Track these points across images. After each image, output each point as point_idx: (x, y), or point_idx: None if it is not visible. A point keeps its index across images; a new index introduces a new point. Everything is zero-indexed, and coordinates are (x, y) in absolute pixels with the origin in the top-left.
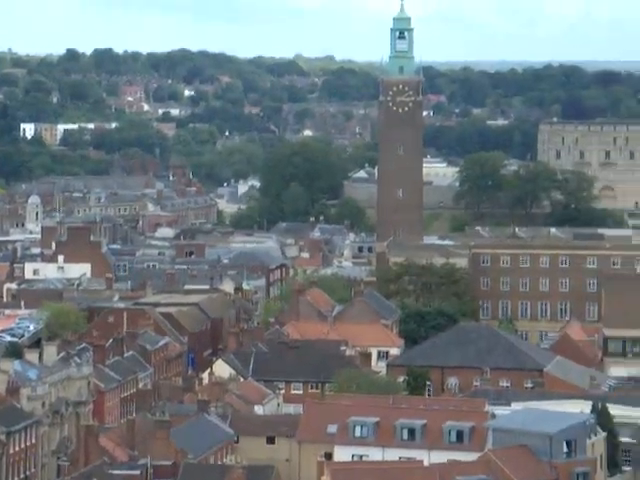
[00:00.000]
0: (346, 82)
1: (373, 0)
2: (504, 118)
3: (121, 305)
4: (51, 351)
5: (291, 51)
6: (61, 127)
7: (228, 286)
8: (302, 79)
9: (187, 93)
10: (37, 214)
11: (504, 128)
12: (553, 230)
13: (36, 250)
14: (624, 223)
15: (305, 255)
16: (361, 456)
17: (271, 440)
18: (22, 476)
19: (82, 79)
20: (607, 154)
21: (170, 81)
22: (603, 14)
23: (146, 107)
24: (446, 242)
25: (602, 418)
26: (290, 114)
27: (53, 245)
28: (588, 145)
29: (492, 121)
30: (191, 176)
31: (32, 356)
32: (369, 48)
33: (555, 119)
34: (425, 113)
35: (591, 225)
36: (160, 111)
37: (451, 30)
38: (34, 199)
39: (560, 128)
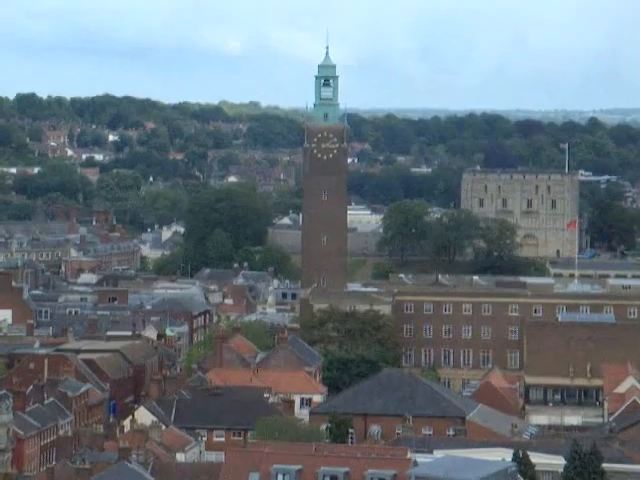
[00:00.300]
0: (271, 128)
1: (298, 47)
2: (428, 166)
3: (42, 351)
4: None
5: (216, 97)
6: None
7: (151, 332)
8: (227, 125)
9: (111, 138)
10: None
11: (428, 176)
12: (476, 278)
13: None
14: (546, 271)
15: (229, 301)
16: None
17: None
18: None
19: (5, 124)
20: (529, 202)
21: (94, 126)
22: (523, 64)
23: (70, 152)
24: (370, 289)
25: (523, 466)
26: (215, 160)
27: None
28: (510, 193)
29: (416, 169)
30: (114, 221)
31: None
32: (294, 95)
33: (478, 167)
34: (349, 160)
35: (513, 273)
36: (84, 156)
37: (375, 78)
38: None
39: (483, 176)
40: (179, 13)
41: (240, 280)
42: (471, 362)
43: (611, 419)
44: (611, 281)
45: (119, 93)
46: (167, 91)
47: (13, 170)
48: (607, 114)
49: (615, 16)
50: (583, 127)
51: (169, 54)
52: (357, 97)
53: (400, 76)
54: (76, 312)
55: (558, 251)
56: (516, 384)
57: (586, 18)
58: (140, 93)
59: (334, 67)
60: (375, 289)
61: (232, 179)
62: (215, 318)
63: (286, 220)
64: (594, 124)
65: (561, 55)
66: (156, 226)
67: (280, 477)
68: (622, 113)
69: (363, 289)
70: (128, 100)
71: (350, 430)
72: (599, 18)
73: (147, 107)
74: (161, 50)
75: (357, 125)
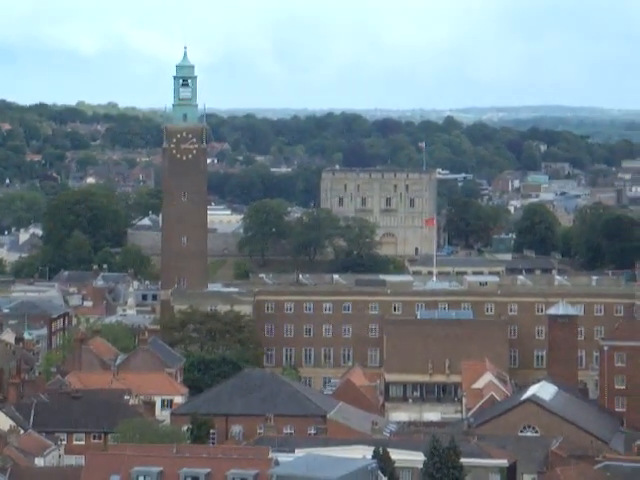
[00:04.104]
0: (129, 129)
1: (155, 47)
2: (287, 165)
3: None
4: None
5: (74, 98)
6: None
7: (9, 336)
8: (85, 126)
9: None
10: None
11: (287, 175)
12: (336, 277)
13: None
14: (405, 269)
15: (88, 304)
16: None
17: None
18: None
19: None
20: (388, 201)
21: None
22: (378, 62)
23: None
24: (230, 289)
25: (384, 463)
26: (73, 161)
27: None
28: (369, 192)
29: (275, 168)
30: None
31: None
32: (152, 95)
33: (337, 166)
34: (209, 160)
35: (373, 271)
36: None
37: (233, 78)
38: None
39: (342, 176)
40: (34, 12)
41: (99, 282)
42: (332, 360)
43: (469, 414)
44: (468, 278)
45: None
46: (23, 92)
47: None
48: (463, 113)
49: (467, 15)
50: (440, 126)
51: (20, 54)
52: (216, 97)
53: (258, 76)
54: None
55: (417, 249)
56: (376, 381)
57: (439, 16)
58: None
59: (192, 67)
60: (236, 289)
61: (90, 180)
62: (74, 321)
63: (145, 221)
64: (450, 123)
65: (415, 53)
66: (13, 228)
67: (141, 479)
68: (477, 112)
69: (224, 289)
70: None
71: (211, 431)
72: (452, 17)
73: (3, 108)
74: (10, 49)
75: (216, 125)
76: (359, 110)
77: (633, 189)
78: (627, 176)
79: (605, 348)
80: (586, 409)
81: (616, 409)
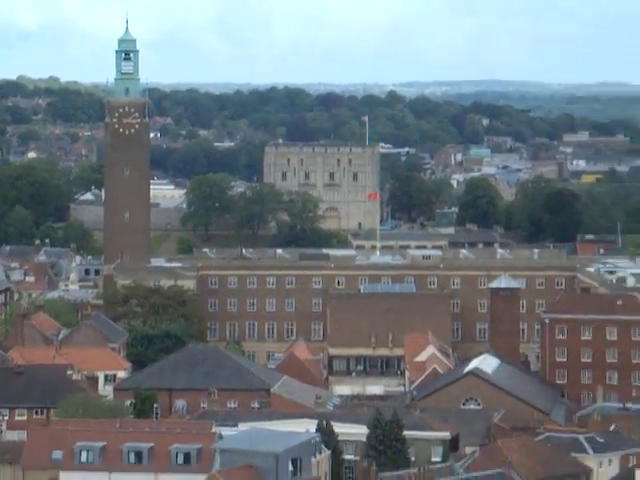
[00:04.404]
0: (71, 104)
1: (98, 22)
2: (230, 140)
3: None
4: None
5: (14, 72)
6: None
7: None
8: (26, 100)
9: None
10: None
11: (230, 150)
12: (279, 251)
13: None
14: (348, 243)
15: (30, 279)
16: None
17: None
18: None
19: None
20: (331, 175)
21: None
22: (321, 36)
23: None
24: (174, 264)
25: (327, 436)
26: (14, 136)
27: None
28: (313, 167)
29: (218, 143)
30: None
31: None
32: (94, 69)
33: (280, 141)
34: (152, 135)
35: (316, 246)
36: None
37: (176, 52)
38: None
39: (285, 150)
40: None
41: (42, 257)
42: (275, 335)
43: (412, 387)
44: (411, 252)
45: None
46: None
47: None
48: (406, 87)
49: None
50: (383, 100)
51: None
52: (158, 72)
53: (201, 50)
54: None
55: (360, 223)
56: (320, 355)
57: None
58: None
59: (134, 41)
60: (179, 264)
61: (32, 155)
62: (16, 296)
63: (88, 196)
64: (393, 97)
65: (358, 28)
66: None
67: (84, 454)
68: (420, 86)
69: (167, 264)
70: None
71: (155, 405)
72: None
73: None
74: None
75: (159, 100)
76: (302, 84)
77: (574, 163)
78: (568, 150)
79: (546, 321)
80: (528, 381)
81: (557, 381)
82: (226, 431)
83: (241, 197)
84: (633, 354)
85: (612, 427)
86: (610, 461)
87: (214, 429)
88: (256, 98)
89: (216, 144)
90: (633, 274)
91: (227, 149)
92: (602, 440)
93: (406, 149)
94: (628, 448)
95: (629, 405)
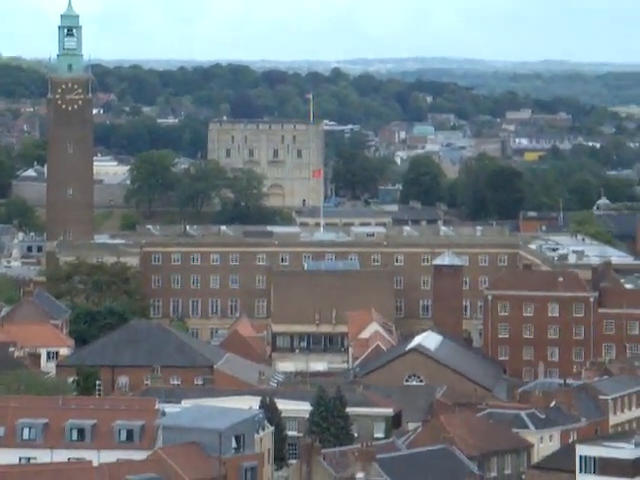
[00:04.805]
0: (14, 79)
1: None
2: (174, 117)
3: None
4: None
5: None
6: None
7: None
8: None
9: None
10: None
11: (174, 127)
12: (224, 228)
13: None
14: (292, 220)
15: None
16: (29, 458)
17: None
18: None
19: None
20: (275, 153)
21: None
22: (264, 12)
23: None
24: (117, 241)
25: (270, 413)
26: None
27: None
28: (257, 144)
29: (162, 119)
30: None
31: None
32: (37, 45)
33: (225, 118)
34: (95, 111)
35: (260, 223)
36: None
37: (119, 28)
38: None
39: (229, 127)
40: None
41: None
42: (219, 311)
43: (355, 364)
44: (355, 229)
45: None
46: None
47: None
48: (350, 64)
49: None
50: (327, 77)
51: None
52: (101, 48)
53: (144, 27)
54: None
55: (304, 200)
56: (263, 332)
57: None
58: None
59: (77, 17)
60: (122, 241)
61: None
62: None
63: (30, 172)
64: (337, 74)
65: (302, 5)
66: None
67: (26, 431)
68: (364, 63)
69: (110, 241)
70: None
71: (97, 382)
72: None
73: None
74: None
75: (102, 76)
76: (246, 61)
77: (517, 140)
78: (511, 127)
79: (489, 297)
80: (470, 358)
81: (499, 357)
82: (169, 408)
83: (185, 174)
84: (574, 330)
85: (553, 403)
86: (551, 436)
87: (157, 406)
88: (200, 75)
89: (160, 121)
90: (574, 251)
91: (171, 126)
92: (543, 416)
93: (350, 126)
94: (568, 424)
95: (570, 381)
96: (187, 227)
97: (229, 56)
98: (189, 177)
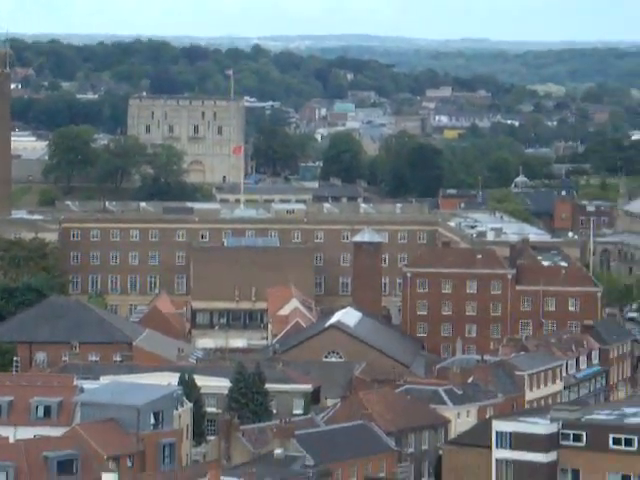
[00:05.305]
0: None
1: None
2: (94, 92)
3: None
4: None
5: None
6: None
7: None
8: None
9: None
10: None
11: (94, 102)
12: (143, 204)
13: None
14: (212, 197)
15: None
16: None
17: None
18: None
19: None
20: (196, 129)
21: None
22: None
23: None
24: (35, 217)
25: (189, 389)
26: None
27: None
28: (177, 120)
29: (82, 95)
30: None
31: None
32: None
33: (144, 93)
34: (13, 86)
35: (181, 199)
36: None
37: (37, 2)
38: None
39: (149, 102)
40: None
41: None
42: (138, 288)
43: (275, 341)
44: (275, 206)
45: None
46: None
47: None
48: (271, 41)
49: None
50: (247, 54)
51: None
52: (19, 22)
53: (63, 1)
54: None
55: (224, 177)
56: (183, 309)
57: None
58: None
59: None
60: (41, 217)
61: None
62: None
63: None
64: (258, 51)
65: None
66: None
67: None
68: (285, 40)
69: (28, 217)
70: None
71: (15, 358)
72: None
73: None
74: None
75: (20, 50)
76: (166, 37)
77: (437, 118)
78: (431, 105)
79: (408, 275)
80: (389, 334)
81: (418, 334)
82: (87, 384)
83: (104, 149)
84: (492, 307)
85: (470, 379)
86: (468, 412)
87: (75, 382)
88: (120, 50)
89: (79, 96)
90: (493, 228)
91: (90, 101)
92: (460, 392)
93: (271, 103)
94: (485, 400)
95: (487, 357)
96: (106, 203)
97: (149, 31)
98: (108, 153)
